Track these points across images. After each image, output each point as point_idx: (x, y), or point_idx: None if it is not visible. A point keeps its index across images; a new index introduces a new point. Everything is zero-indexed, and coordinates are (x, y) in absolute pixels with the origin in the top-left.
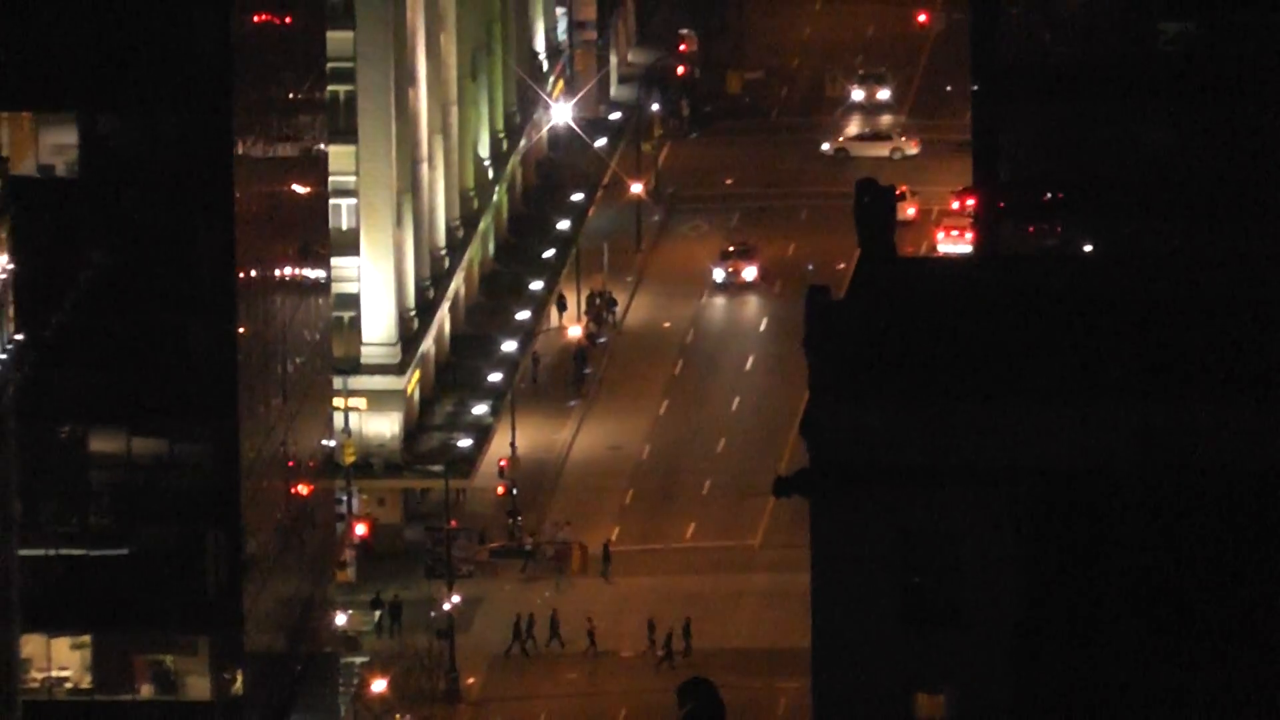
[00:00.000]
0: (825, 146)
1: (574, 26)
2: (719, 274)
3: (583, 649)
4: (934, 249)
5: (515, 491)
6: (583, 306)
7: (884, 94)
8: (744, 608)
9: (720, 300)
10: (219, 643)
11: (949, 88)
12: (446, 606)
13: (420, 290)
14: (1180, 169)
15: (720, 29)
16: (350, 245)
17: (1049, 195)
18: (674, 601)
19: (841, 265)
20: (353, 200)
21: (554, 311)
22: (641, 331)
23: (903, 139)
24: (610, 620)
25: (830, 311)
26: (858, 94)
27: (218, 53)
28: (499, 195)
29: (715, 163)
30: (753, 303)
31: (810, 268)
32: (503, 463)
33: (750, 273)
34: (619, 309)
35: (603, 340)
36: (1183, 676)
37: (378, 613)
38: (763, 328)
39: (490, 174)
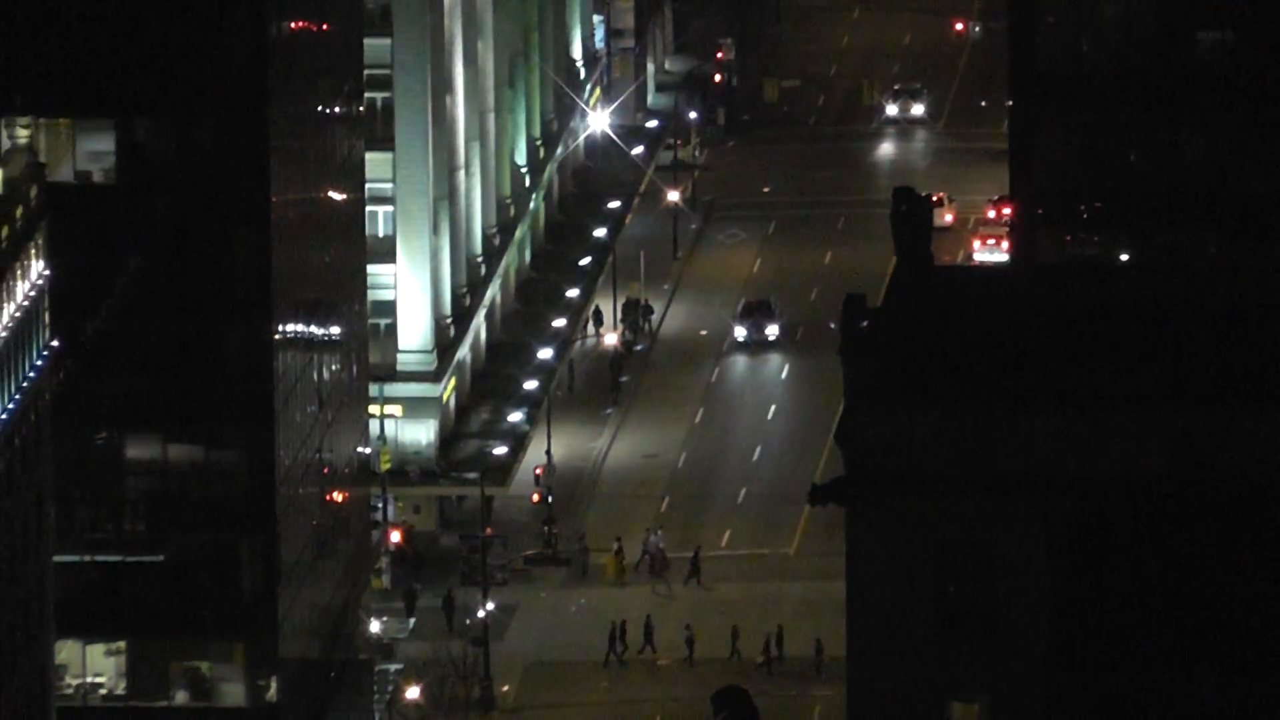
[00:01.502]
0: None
1: (611, 34)
2: (740, 332)
3: (682, 656)
4: (971, 258)
5: (551, 499)
6: (619, 314)
7: (918, 109)
8: (780, 616)
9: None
10: (254, 649)
11: (984, 102)
12: (481, 614)
13: (457, 298)
14: (1217, 178)
15: (757, 37)
16: (387, 253)
17: (1086, 204)
18: (709, 609)
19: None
20: (389, 208)
21: (590, 325)
22: (678, 339)
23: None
24: (643, 629)
25: (867, 320)
26: (892, 109)
27: (254, 59)
28: (536, 203)
29: (753, 171)
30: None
31: (833, 325)
32: (538, 470)
33: (773, 330)
34: (655, 317)
35: (639, 348)
36: (1217, 687)
37: (439, 598)
38: (799, 335)
39: (527, 182)
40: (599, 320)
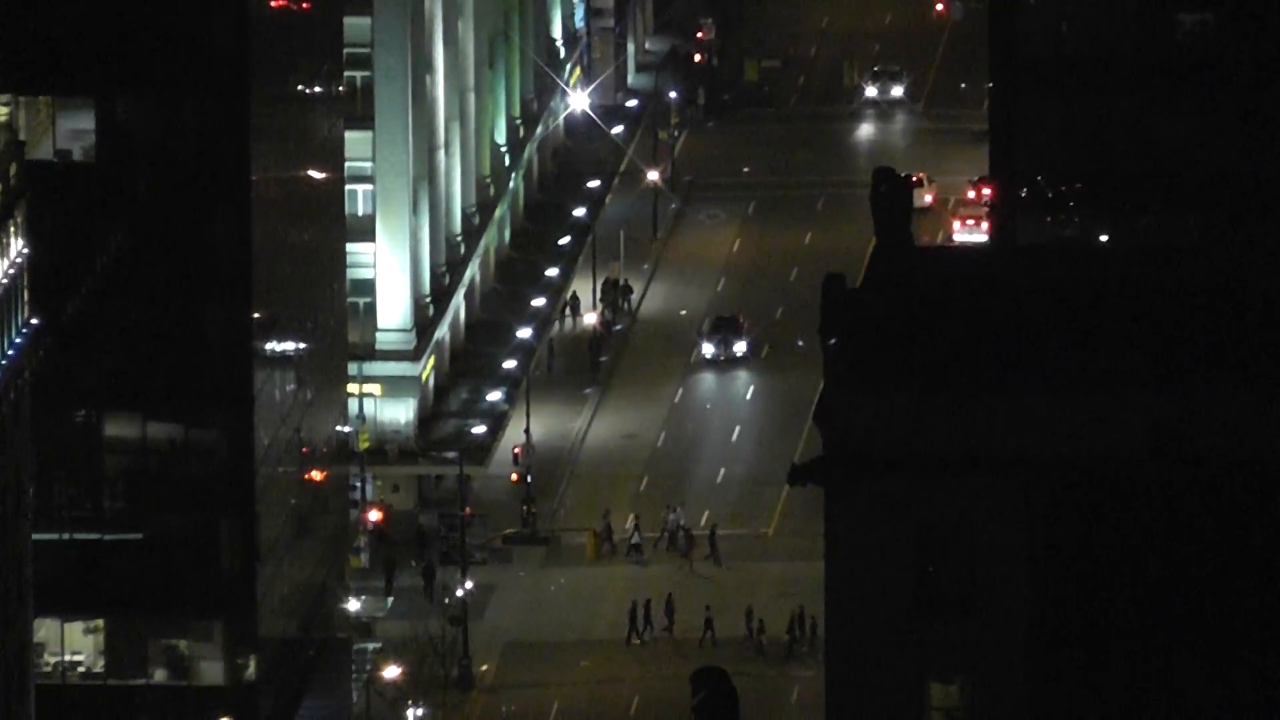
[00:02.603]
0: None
1: (591, 14)
2: (707, 349)
3: (697, 637)
4: (950, 238)
5: (530, 479)
6: (598, 294)
7: (897, 90)
8: (758, 596)
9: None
10: (233, 628)
11: (964, 84)
12: (460, 593)
13: (436, 277)
14: (1197, 160)
15: (738, 17)
16: (366, 232)
17: (1066, 185)
18: (688, 588)
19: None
20: (369, 186)
21: (567, 310)
22: (657, 319)
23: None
24: (625, 607)
25: (846, 300)
26: (871, 90)
27: (235, 38)
28: (516, 182)
29: (732, 151)
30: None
31: (801, 343)
32: (517, 450)
33: (740, 347)
34: (635, 297)
35: (618, 328)
36: (1196, 669)
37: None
38: (779, 315)
39: (507, 161)
40: (575, 307)
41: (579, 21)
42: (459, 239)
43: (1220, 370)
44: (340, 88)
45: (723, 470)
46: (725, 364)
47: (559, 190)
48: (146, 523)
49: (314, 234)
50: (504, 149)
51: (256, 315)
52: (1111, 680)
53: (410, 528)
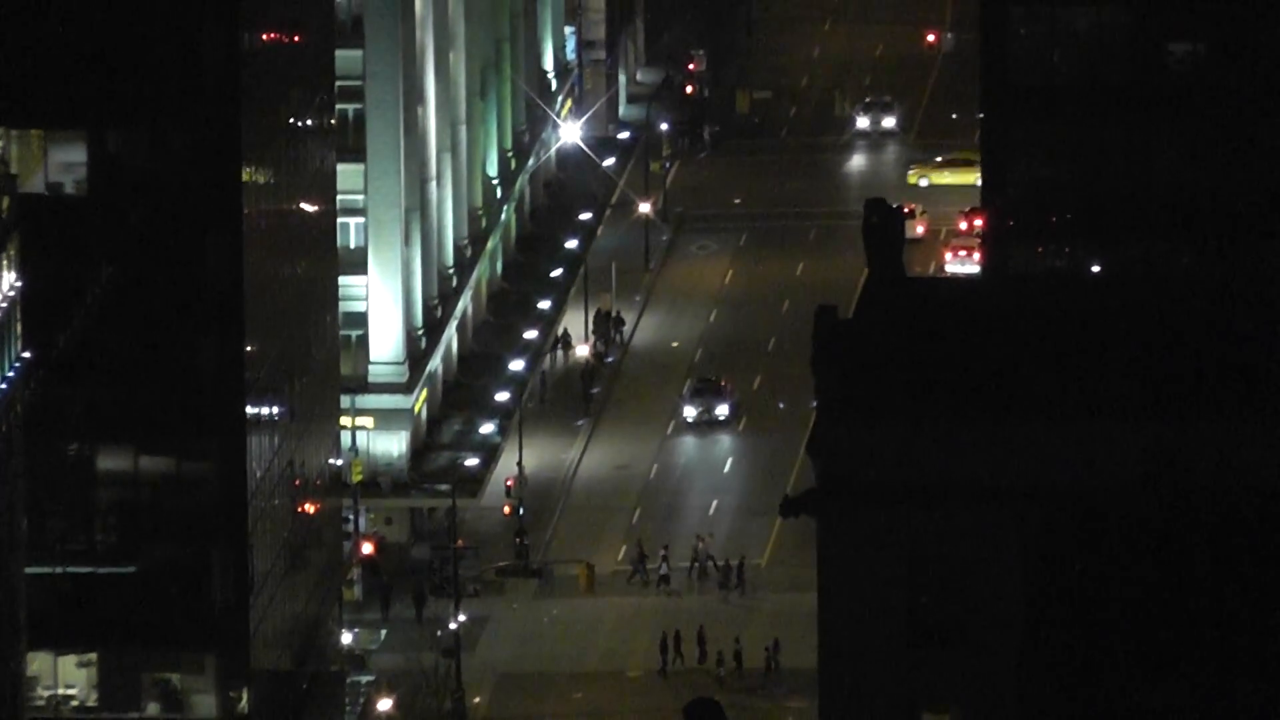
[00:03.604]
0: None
1: (583, 45)
2: (690, 412)
3: (759, 669)
4: (942, 269)
5: (522, 511)
6: (590, 326)
7: (889, 121)
8: (750, 627)
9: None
10: (225, 661)
11: (955, 114)
12: (453, 626)
13: (428, 309)
14: (1188, 189)
15: (729, 48)
16: (358, 264)
17: (1058, 215)
18: (680, 620)
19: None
20: (361, 219)
21: (559, 346)
22: (649, 351)
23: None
24: (618, 639)
25: (839, 331)
26: (862, 121)
27: (226, 70)
28: (507, 214)
29: (723, 182)
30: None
31: (781, 405)
32: (509, 482)
33: (723, 410)
34: (627, 328)
35: (610, 360)
36: (1187, 698)
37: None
38: (771, 346)
39: (499, 193)
40: (567, 342)
41: (570, 53)
42: (451, 271)
43: (1213, 398)
44: (332, 120)
45: (715, 501)
46: (706, 426)
47: (551, 222)
48: (139, 555)
49: (306, 266)
50: (496, 181)
51: (249, 347)
52: (1104, 711)
53: (403, 560)
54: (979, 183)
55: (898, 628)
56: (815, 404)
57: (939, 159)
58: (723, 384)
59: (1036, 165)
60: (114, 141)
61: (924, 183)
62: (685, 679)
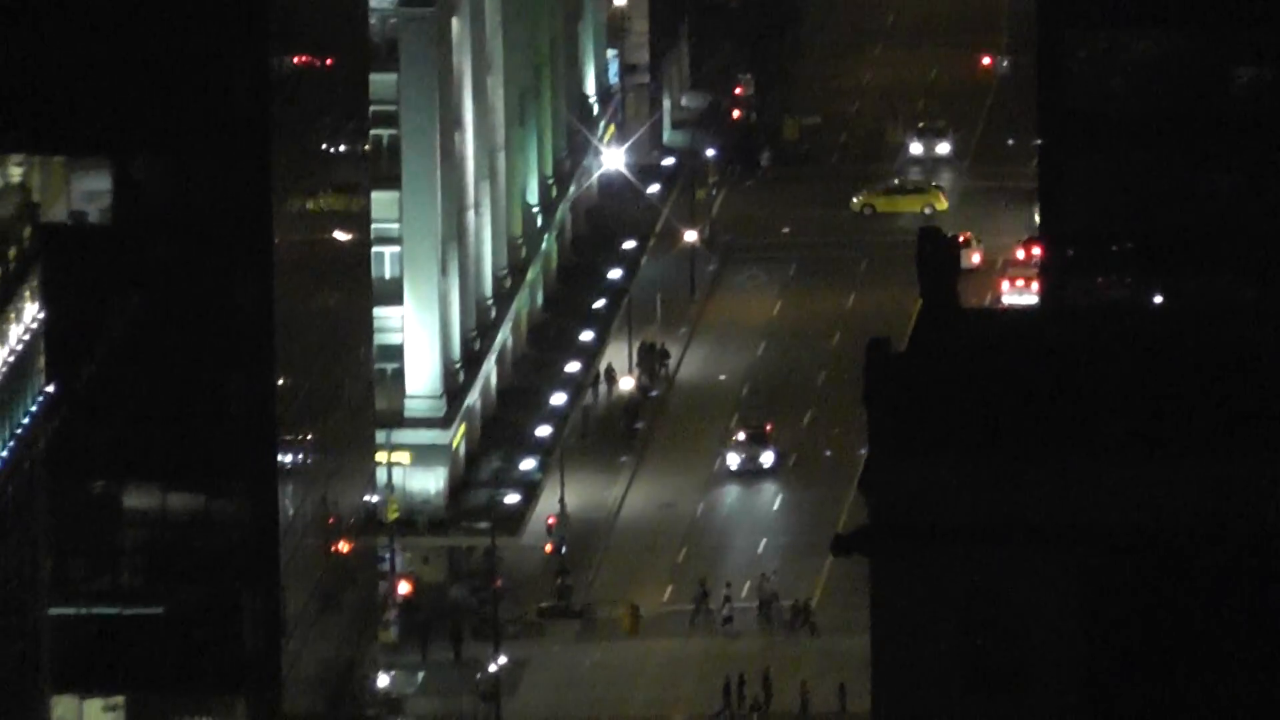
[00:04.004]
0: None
1: (625, 69)
2: (734, 460)
3: (794, 712)
4: (999, 300)
5: (564, 550)
6: (634, 359)
7: (944, 147)
8: (802, 670)
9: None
10: (256, 705)
11: (1011, 140)
12: (492, 669)
13: (466, 341)
14: (1253, 219)
15: (777, 72)
16: (394, 295)
17: (1118, 245)
18: (731, 663)
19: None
20: (396, 248)
21: (602, 380)
22: (695, 384)
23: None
24: (662, 684)
25: (891, 365)
26: (916, 147)
27: (256, 96)
28: (548, 243)
29: (772, 211)
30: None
31: (829, 453)
32: (551, 520)
33: (768, 458)
34: (672, 362)
35: (654, 394)
36: None
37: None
38: (821, 380)
39: (539, 221)
40: (611, 377)
41: (613, 77)
42: (490, 302)
43: (1277, 436)
44: (366, 146)
45: (764, 540)
46: (751, 476)
47: (593, 251)
48: (167, 597)
49: (339, 298)
50: (536, 209)
51: (280, 382)
52: None
53: (441, 600)
54: (927, 210)
55: (953, 672)
56: (867, 443)
57: (884, 186)
58: (767, 430)
59: (1096, 194)
60: (140, 169)
61: (868, 211)
62: None
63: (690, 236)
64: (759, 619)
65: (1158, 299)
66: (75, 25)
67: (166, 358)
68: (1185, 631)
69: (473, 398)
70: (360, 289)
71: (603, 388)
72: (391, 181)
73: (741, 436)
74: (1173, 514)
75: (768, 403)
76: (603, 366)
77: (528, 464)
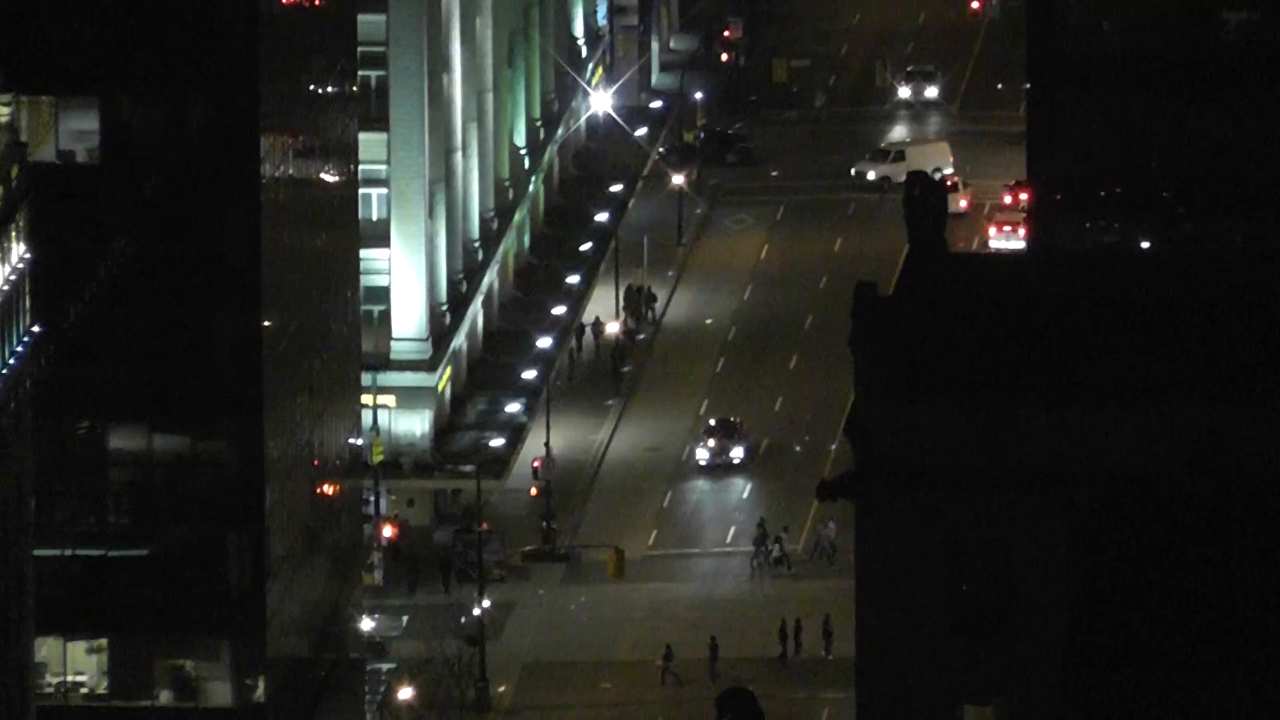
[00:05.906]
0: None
1: (614, 11)
2: (702, 455)
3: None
4: (986, 244)
5: (550, 493)
6: (621, 302)
7: (932, 91)
8: (786, 615)
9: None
10: (241, 648)
11: (1000, 84)
12: (476, 612)
13: (453, 284)
14: (1242, 163)
15: (766, 15)
16: (381, 237)
17: (1106, 190)
18: (712, 609)
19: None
20: (384, 190)
21: (589, 331)
22: (682, 328)
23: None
24: (647, 627)
25: (878, 308)
26: (904, 91)
27: (245, 35)
28: (535, 186)
29: (759, 153)
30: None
31: (798, 449)
32: (536, 463)
33: (738, 453)
34: (659, 305)
35: (641, 337)
36: (1238, 689)
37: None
38: (808, 324)
39: (526, 164)
40: (597, 330)
41: (601, 19)
42: (477, 244)
43: (1266, 381)
44: (354, 87)
45: (750, 485)
46: (721, 470)
47: (580, 194)
48: (152, 538)
49: (326, 239)
50: (523, 151)
51: (266, 323)
52: (1151, 702)
53: (425, 543)
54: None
55: (939, 616)
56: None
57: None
58: (737, 423)
59: (1084, 138)
60: (128, 109)
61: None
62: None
63: (678, 179)
64: (815, 562)
65: (1145, 244)
66: None
67: (153, 298)
68: (1172, 576)
69: (459, 340)
70: (347, 231)
71: (588, 338)
72: (379, 123)
73: (710, 428)
74: (1160, 457)
75: (755, 346)
76: (589, 318)
77: (513, 407)
